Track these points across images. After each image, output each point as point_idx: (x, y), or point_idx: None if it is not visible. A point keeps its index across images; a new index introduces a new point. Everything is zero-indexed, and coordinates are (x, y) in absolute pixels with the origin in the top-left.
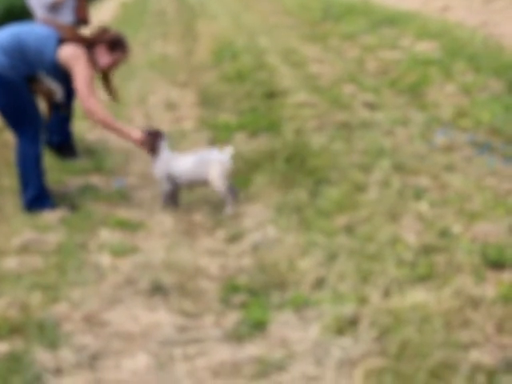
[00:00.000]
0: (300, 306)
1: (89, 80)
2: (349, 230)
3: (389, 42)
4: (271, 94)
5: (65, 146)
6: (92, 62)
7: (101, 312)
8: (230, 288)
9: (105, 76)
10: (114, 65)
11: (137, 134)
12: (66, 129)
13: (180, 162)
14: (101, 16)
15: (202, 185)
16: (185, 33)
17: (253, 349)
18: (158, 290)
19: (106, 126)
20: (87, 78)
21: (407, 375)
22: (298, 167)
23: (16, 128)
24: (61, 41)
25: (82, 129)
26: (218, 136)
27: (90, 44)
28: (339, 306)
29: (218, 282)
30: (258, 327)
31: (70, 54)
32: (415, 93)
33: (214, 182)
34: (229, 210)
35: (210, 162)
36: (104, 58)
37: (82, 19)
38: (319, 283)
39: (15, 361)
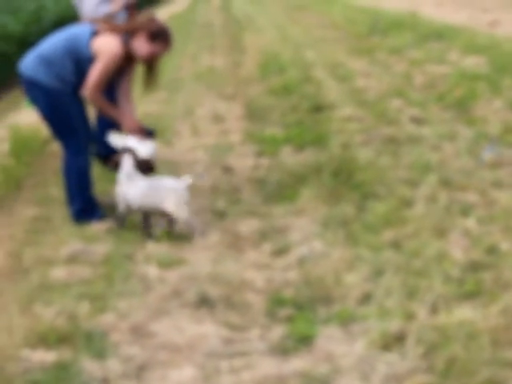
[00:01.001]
0: (346, 320)
1: (104, 75)
2: (395, 245)
3: (436, 57)
4: (317, 108)
5: (112, 156)
6: (127, 49)
7: (147, 323)
8: (276, 301)
9: (148, 66)
10: (152, 56)
11: (131, 120)
12: None
13: (134, 186)
14: None
15: (156, 213)
16: (232, 45)
17: (298, 363)
18: (204, 302)
19: (102, 108)
20: (105, 71)
21: None
22: (345, 181)
23: (62, 139)
24: (96, 33)
25: None
26: (265, 149)
27: (129, 32)
28: (385, 322)
29: (263, 295)
30: (304, 341)
31: (101, 44)
32: (462, 108)
33: (175, 212)
34: (199, 237)
35: (163, 190)
36: (143, 47)
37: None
38: (365, 298)
39: (63, 370)
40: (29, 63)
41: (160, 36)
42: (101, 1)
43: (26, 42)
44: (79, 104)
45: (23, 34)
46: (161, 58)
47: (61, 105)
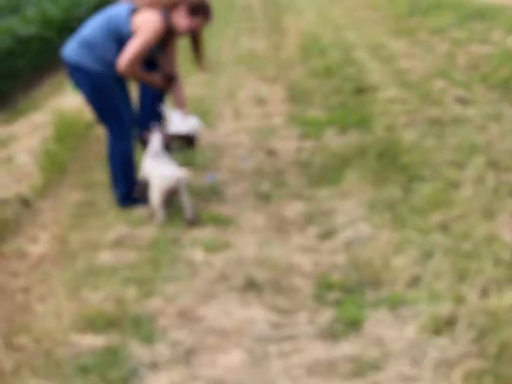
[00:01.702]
0: (395, 304)
1: (142, 49)
2: (443, 227)
3: (479, 36)
4: (360, 90)
5: None
6: (168, 23)
7: (195, 307)
8: (324, 285)
9: (193, 41)
10: (193, 29)
11: (160, 81)
12: None
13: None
14: None
15: None
16: (272, 28)
17: (348, 347)
18: (251, 286)
19: (133, 74)
20: (143, 45)
21: (507, 378)
22: (390, 163)
23: (105, 123)
24: (135, 11)
25: None
26: (308, 132)
27: (169, 7)
28: (435, 305)
29: (311, 279)
30: (353, 325)
31: (141, 20)
32: (508, 88)
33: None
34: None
35: (155, 173)
36: (183, 21)
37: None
38: (414, 281)
39: (112, 355)
40: (71, 48)
41: (200, 9)
42: None
43: (67, 27)
44: (123, 87)
45: (63, 19)
46: (202, 31)
47: (104, 88)
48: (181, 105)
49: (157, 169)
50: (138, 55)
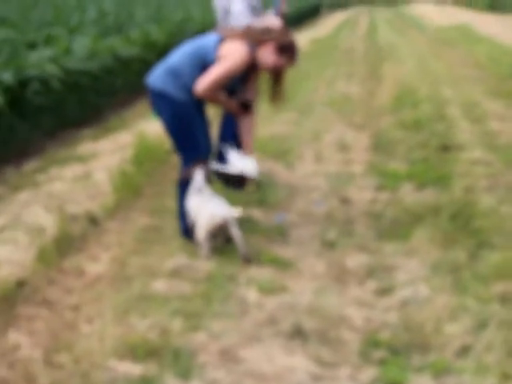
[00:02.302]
0: (440, 372)
1: (224, 76)
2: (504, 298)
3: None
4: (446, 147)
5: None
6: (253, 57)
7: (238, 348)
8: (372, 342)
9: (273, 79)
10: (278, 67)
11: (236, 106)
12: None
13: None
14: None
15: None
16: (370, 74)
17: None
18: (298, 333)
19: (211, 98)
20: (226, 72)
21: None
22: (462, 226)
23: (181, 152)
24: (223, 40)
25: None
26: (386, 183)
27: (258, 41)
28: (480, 379)
29: (360, 334)
30: None
31: (228, 48)
32: None
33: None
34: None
35: (203, 211)
36: (269, 57)
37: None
38: (464, 351)
39: None
40: (157, 75)
41: (288, 49)
42: (250, 13)
43: (168, 51)
44: (204, 118)
45: (166, 43)
46: (285, 71)
47: (185, 116)
48: (245, 146)
49: (206, 205)
50: (218, 81)
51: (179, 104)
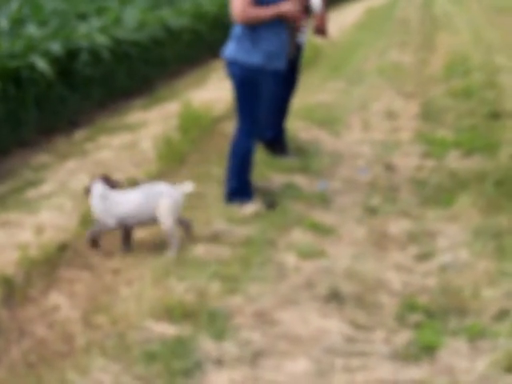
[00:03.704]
0: (475, 335)
1: None
2: None
3: None
4: (495, 115)
5: (277, 142)
6: None
7: (273, 310)
8: (408, 306)
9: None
10: None
11: (286, 5)
12: (280, 125)
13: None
14: (343, 20)
15: (152, 223)
16: (423, 43)
17: (416, 372)
18: (334, 297)
19: (251, 18)
20: None
21: None
22: (506, 193)
23: (240, 116)
24: None
25: (296, 127)
26: (432, 151)
27: None
28: None
29: (397, 298)
30: (428, 351)
31: None
32: None
33: (161, 218)
34: (171, 253)
35: (158, 196)
36: None
37: (320, 30)
38: (501, 315)
39: (180, 345)
40: (230, 45)
41: None
42: None
43: (219, 23)
44: (270, 87)
45: (217, 14)
46: None
47: (257, 82)
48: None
49: (156, 190)
50: (243, 1)
51: (251, 69)
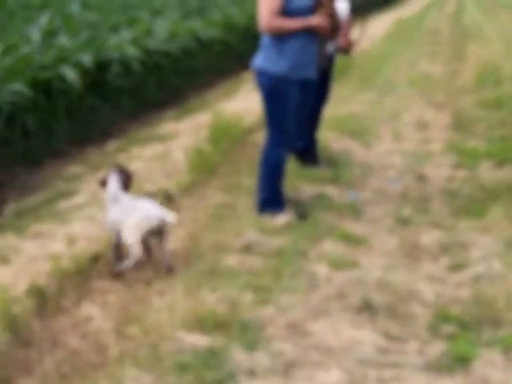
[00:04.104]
0: (510, 346)
1: (269, 2)
2: None
3: None
4: None
5: (308, 152)
6: None
7: (305, 321)
8: (441, 317)
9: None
10: None
11: (315, 19)
12: (311, 136)
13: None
14: (373, 31)
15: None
16: (453, 53)
17: (450, 383)
18: (366, 308)
19: (277, 29)
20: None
21: None
22: None
23: (268, 127)
24: None
25: (327, 138)
26: (464, 161)
27: None
28: None
29: (430, 308)
30: (462, 362)
31: None
32: None
33: (124, 232)
34: (119, 266)
35: (133, 211)
36: None
37: (344, 48)
38: None
39: (212, 356)
40: (259, 55)
41: None
42: None
43: (249, 34)
44: (297, 97)
45: (247, 25)
46: None
47: (284, 91)
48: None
49: (140, 205)
50: (270, 8)
51: (278, 78)
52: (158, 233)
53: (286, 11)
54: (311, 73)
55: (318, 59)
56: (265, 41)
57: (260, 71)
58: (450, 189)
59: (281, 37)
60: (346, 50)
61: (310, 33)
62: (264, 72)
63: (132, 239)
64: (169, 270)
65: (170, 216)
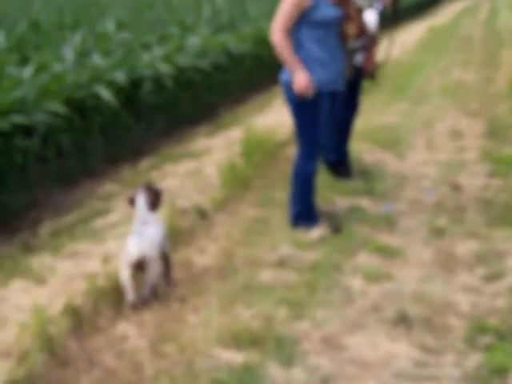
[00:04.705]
0: None
1: (284, 16)
2: None
3: None
4: None
5: (340, 165)
6: None
7: (341, 335)
8: (478, 328)
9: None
10: None
11: (301, 76)
12: (343, 148)
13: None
14: (406, 39)
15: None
16: (487, 61)
17: None
18: (402, 320)
19: (280, 50)
20: (284, 13)
21: None
22: None
23: (300, 139)
24: None
25: (359, 149)
26: (499, 170)
27: None
28: None
29: (466, 320)
30: (499, 373)
31: None
32: None
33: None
34: (128, 299)
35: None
36: None
37: (368, 73)
38: None
39: (248, 373)
40: (286, 69)
41: None
42: None
43: None
44: (326, 109)
45: None
46: None
47: (313, 105)
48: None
49: (131, 238)
50: (283, 21)
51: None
52: (140, 267)
53: (311, 22)
54: (339, 85)
55: (346, 71)
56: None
57: (288, 85)
58: (485, 198)
59: (307, 51)
60: (371, 74)
61: (336, 45)
62: (291, 86)
63: (122, 274)
64: (143, 303)
65: (150, 251)
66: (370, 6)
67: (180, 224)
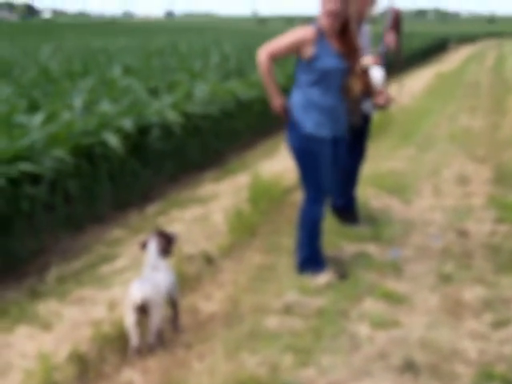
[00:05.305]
0: None
1: (281, 43)
2: None
3: None
4: None
5: (347, 210)
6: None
7: (347, 382)
8: (485, 375)
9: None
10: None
11: (276, 102)
12: (350, 193)
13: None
14: (413, 86)
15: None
16: (494, 107)
17: None
18: (409, 367)
19: (262, 73)
20: (283, 40)
21: None
22: None
23: (305, 184)
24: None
25: (367, 195)
26: (506, 216)
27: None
28: None
29: (473, 367)
30: None
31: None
32: None
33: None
34: (132, 344)
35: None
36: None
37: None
38: None
39: None
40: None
41: None
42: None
43: (288, 93)
44: (331, 155)
45: (286, 85)
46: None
47: (314, 150)
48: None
49: (135, 282)
50: (275, 47)
51: (309, 137)
52: (145, 311)
53: (313, 70)
54: (339, 132)
55: (351, 118)
56: (294, 99)
57: (289, 131)
58: (492, 244)
59: (307, 96)
60: (383, 105)
61: (338, 93)
62: (292, 132)
63: (126, 319)
64: (150, 350)
65: (153, 294)
66: (375, 51)
67: (186, 270)
